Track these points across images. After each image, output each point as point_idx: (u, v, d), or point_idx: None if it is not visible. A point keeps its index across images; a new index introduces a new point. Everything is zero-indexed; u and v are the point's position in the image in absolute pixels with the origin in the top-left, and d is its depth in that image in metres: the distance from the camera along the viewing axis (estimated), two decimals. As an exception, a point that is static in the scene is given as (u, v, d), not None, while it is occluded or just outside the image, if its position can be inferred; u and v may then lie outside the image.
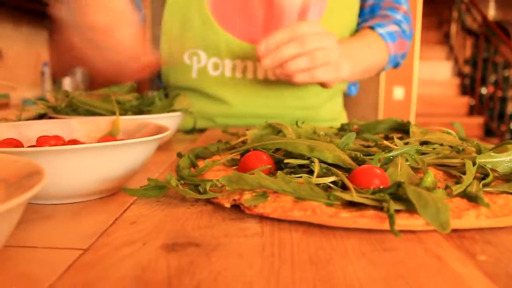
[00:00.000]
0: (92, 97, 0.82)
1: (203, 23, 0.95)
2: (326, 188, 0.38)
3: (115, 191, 0.48)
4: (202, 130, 0.96)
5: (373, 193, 0.34)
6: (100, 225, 0.38)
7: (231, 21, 0.96)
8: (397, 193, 0.34)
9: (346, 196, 0.34)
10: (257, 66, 0.98)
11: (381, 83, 3.70)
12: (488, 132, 4.94)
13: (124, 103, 0.80)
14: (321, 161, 0.42)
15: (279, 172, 0.37)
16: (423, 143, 0.53)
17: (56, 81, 3.25)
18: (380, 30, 0.96)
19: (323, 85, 0.85)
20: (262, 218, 0.35)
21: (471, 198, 0.35)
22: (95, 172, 0.43)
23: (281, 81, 0.99)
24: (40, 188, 0.27)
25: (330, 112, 1.11)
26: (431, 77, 5.29)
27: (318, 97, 1.05)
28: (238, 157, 0.48)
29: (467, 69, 5.44)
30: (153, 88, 1.18)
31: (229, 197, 0.38)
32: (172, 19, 0.98)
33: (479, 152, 0.44)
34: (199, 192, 0.39)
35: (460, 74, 5.48)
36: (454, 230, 0.32)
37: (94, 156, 0.42)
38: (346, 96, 1.22)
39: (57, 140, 0.51)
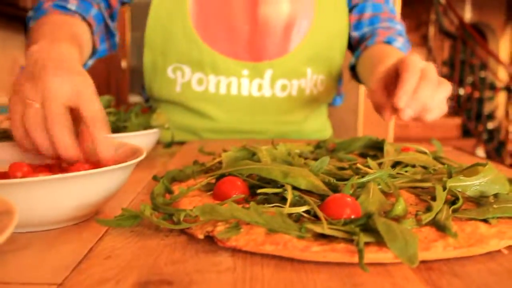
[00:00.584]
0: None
1: (186, 38, 0.95)
2: (299, 217, 0.39)
3: (91, 216, 0.48)
4: (182, 143, 0.96)
5: (344, 224, 0.35)
6: (75, 256, 0.38)
7: (215, 36, 0.96)
8: (368, 224, 0.34)
9: (317, 229, 0.34)
10: (241, 82, 0.98)
11: (360, 86, 3.74)
12: (466, 133, 5.03)
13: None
14: (294, 188, 0.42)
15: (252, 203, 0.37)
16: (397, 163, 0.54)
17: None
18: (397, 44, 0.96)
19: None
20: (235, 250, 0.36)
21: (440, 227, 0.36)
22: (69, 201, 0.43)
23: (265, 98, 1.00)
24: (9, 233, 0.27)
25: (315, 124, 1.12)
26: (410, 79, 5.35)
27: (303, 111, 1.06)
28: (213, 181, 0.48)
29: (445, 71, 5.52)
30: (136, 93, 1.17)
31: (202, 227, 0.38)
32: (154, 32, 0.97)
33: (450, 174, 0.45)
34: (173, 222, 0.39)
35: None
36: (423, 261, 0.33)
37: (67, 186, 0.42)
38: (330, 106, 1.23)
39: (29, 168, 0.51)
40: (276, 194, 0.43)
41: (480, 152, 4.77)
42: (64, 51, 0.57)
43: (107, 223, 0.41)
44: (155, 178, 0.54)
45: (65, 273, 0.35)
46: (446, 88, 0.65)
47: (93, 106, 0.50)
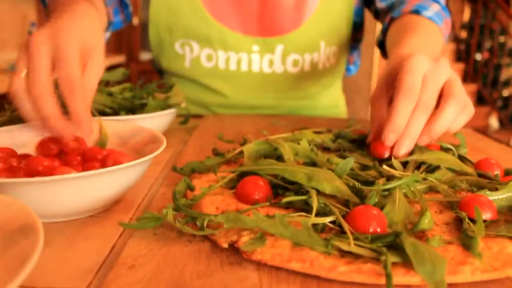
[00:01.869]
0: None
1: (193, 12, 0.92)
2: (323, 227, 0.38)
3: (110, 206, 0.49)
4: (197, 116, 0.95)
5: (372, 240, 0.35)
6: (97, 256, 0.38)
7: (223, 11, 0.92)
8: (395, 242, 0.34)
9: (344, 246, 0.34)
10: (251, 58, 0.95)
11: (376, 48, 3.66)
12: (480, 100, 4.96)
13: (116, 95, 0.79)
14: (318, 191, 0.42)
15: (277, 213, 0.37)
16: (421, 163, 0.53)
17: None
18: (428, 13, 0.83)
19: None
20: (260, 263, 0.36)
21: (466, 246, 0.35)
22: (88, 196, 0.44)
23: (276, 74, 0.97)
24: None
25: (329, 99, 1.10)
26: (426, 42, 5.23)
27: (316, 85, 1.04)
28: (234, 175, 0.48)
29: (463, 34, 5.38)
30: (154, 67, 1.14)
31: (226, 235, 0.38)
32: (159, 7, 0.94)
33: (478, 185, 0.45)
34: (196, 225, 0.39)
35: (456, 39, 5.43)
36: (449, 284, 0.33)
37: (86, 183, 0.42)
38: (344, 76, 1.20)
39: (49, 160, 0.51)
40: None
41: (493, 120, 4.71)
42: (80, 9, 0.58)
43: (130, 226, 0.41)
44: (175, 169, 0.53)
45: (88, 277, 0.35)
46: (455, 112, 0.54)
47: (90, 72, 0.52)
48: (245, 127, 0.83)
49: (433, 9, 0.84)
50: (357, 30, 1.04)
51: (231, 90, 0.99)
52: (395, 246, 0.34)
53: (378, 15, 0.99)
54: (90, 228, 0.45)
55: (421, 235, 0.38)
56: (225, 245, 0.37)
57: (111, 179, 0.44)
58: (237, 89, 0.99)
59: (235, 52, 0.94)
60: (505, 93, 5.02)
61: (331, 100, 1.11)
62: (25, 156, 0.53)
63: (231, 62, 0.95)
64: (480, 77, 5.00)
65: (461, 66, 5.22)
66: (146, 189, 0.54)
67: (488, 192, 0.42)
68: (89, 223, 0.45)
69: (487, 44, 5.10)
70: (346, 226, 0.36)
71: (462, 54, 5.30)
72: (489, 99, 4.88)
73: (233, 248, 0.37)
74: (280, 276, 0.34)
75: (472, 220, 0.39)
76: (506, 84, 5.03)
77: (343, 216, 0.39)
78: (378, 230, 0.37)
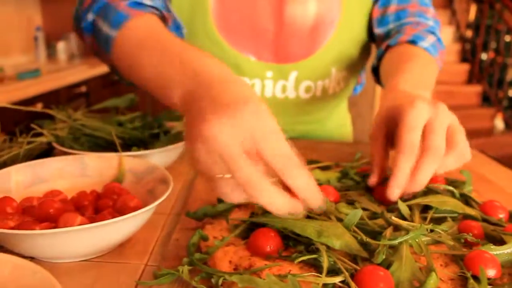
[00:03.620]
0: (92, 116, 0.82)
1: (208, 38, 0.92)
2: (334, 285, 0.40)
3: (123, 248, 0.52)
4: None
5: None
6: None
7: (238, 37, 0.92)
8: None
9: None
10: (264, 84, 0.96)
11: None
12: (485, 100, 4.96)
13: (126, 124, 0.81)
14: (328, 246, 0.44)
15: (289, 276, 0.39)
16: (425, 207, 0.55)
17: (50, 44, 3.19)
18: (424, 44, 0.85)
19: None
20: (273, 326, 0.37)
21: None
22: (96, 242, 0.48)
23: (289, 99, 0.98)
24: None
25: (336, 120, 1.11)
26: (431, 42, 5.23)
27: (325, 110, 1.05)
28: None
29: (468, 33, 5.38)
30: None
31: (241, 295, 0.40)
32: None
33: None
34: (211, 282, 0.41)
35: (461, 38, 5.42)
36: None
37: (93, 232, 0.46)
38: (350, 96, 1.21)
39: (61, 202, 0.54)
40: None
41: (499, 122, 4.72)
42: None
43: (148, 283, 0.43)
44: (188, 214, 0.55)
45: None
46: (459, 154, 0.58)
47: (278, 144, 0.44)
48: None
49: (429, 41, 0.86)
50: (367, 54, 1.05)
51: None
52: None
53: (374, 39, 1.00)
54: (106, 276, 0.47)
55: (427, 294, 0.40)
56: (240, 304, 0.39)
57: (113, 228, 0.47)
58: None
59: (248, 78, 0.94)
60: (511, 93, 5.02)
61: (338, 120, 1.13)
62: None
63: None
64: (486, 78, 4.99)
65: (466, 66, 5.22)
66: (159, 228, 0.56)
67: (493, 247, 0.44)
68: (105, 270, 0.48)
69: (493, 44, 5.10)
70: (354, 288, 0.38)
71: (468, 54, 5.30)
72: (494, 100, 4.88)
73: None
74: None
75: (477, 277, 0.41)
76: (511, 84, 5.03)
77: (352, 275, 0.41)
78: None
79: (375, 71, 0.95)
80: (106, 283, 0.46)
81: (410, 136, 0.55)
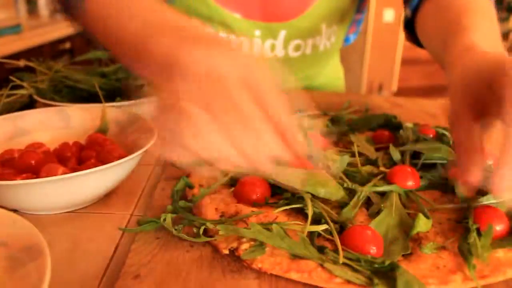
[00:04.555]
0: (74, 69, 0.80)
1: None
2: (319, 234, 0.40)
3: (109, 199, 0.52)
4: None
5: (365, 264, 0.35)
6: (102, 260, 0.40)
7: None
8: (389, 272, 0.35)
9: (337, 271, 0.35)
10: (253, 42, 0.93)
11: (371, 4, 3.58)
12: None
13: (109, 76, 0.79)
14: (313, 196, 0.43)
15: (274, 225, 0.38)
16: (415, 153, 0.54)
17: (31, 0, 3.08)
18: None
19: None
20: (260, 271, 0.37)
21: (462, 254, 0.37)
22: (82, 192, 0.47)
23: (277, 58, 0.95)
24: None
25: (329, 73, 1.10)
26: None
27: (315, 66, 1.02)
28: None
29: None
30: None
31: (227, 241, 0.39)
32: None
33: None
34: (197, 227, 0.41)
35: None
36: (440, 291, 0.35)
37: (78, 182, 0.45)
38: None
39: (43, 154, 0.52)
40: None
41: None
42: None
43: (130, 230, 0.42)
44: (173, 164, 0.54)
45: (94, 283, 0.37)
46: None
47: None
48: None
49: None
50: (362, 3, 1.02)
51: None
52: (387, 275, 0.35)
53: None
54: (91, 226, 0.46)
55: (416, 238, 0.40)
56: (226, 252, 0.38)
57: (97, 177, 0.46)
58: None
59: (236, 36, 0.92)
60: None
61: (331, 74, 1.11)
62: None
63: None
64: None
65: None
66: (144, 179, 0.56)
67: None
68: (90, 221, 0.47)
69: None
70: (339, 244, 0.37)
71: None
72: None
73: (233, 254, 0.39)
74: (280, 284, 0.36)
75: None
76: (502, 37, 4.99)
77: (340, 228, 0.40)
78: (373, 250, 0.37)
79: (409, 26, 0.78)
80: (91, 233, 0.45)
81: None
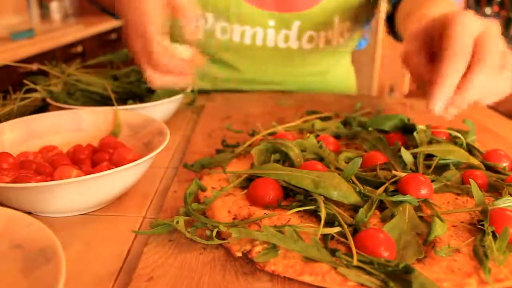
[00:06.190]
0: (87, 72, 0.81)
1: None
2: (332, 236, 0.40)
3: (122, 201, 0.52)
4: (203, 92, 0.95)
5: (378, 267, 0.35)
6: (115, 261, 0.40)
7: None
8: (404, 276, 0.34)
9: (351, 276, 0.34)
10: (267, 33, 0.94)
11: (383, 4, 3.56)
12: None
13: (121, 79, 0.79)
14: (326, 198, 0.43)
15: (287, 228, 0.38)
16: (428, 155, 0.54)
17: (43, 4, 3.12)
18: None
19: None
20: (273, 273, 0.37)
21: (478, 257, 0.37)
22: (94, 195, 0.47)
23: (291, 49, 0.96)
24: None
25: (340, 72, 1.10)
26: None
27: (328, 62, 1.03)
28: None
29: (472, -13, 5.23)
30: None
31: (240, 243, 0.39)
32: None
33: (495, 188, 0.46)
34: (210, 230, 0.41)
35: (465, -9, 5.28)
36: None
37: (91, 185, 0.45)
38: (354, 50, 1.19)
39: (57, 156, 0.53)
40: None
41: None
42: None
43: (143, 233, 0.43)
44: (186, 166, 0.54)
45: (108, 284, 0.37)
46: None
47: None
48: (252, 108, 0.83)
49: None
50: (372, 5, 1.02)
51: (243, 64, 0.99)
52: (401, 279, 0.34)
53: None
54: (105, 228, 0.46)
55: (430, 240, 0.39)
56: (239, 254, 0.39)
57: (110, 180, 0.46)
58: (249, 63, 0.98)
59: (250, 26, 0.93)
60: (515, 48, 4.94)
61: (342, 73, 1.11)
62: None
63: (246, 35, 0.94)
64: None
65: (470, 20, 5.09)
66: (157, 181, 0.56)
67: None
68: (104, 223, 0.47)
69: (497, -3, 4.97)
70: (353, 247, 0.37)
71: (471, 6, 5.17)
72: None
73: (247, 257, 0.39)
74: (293, 287, 0.36)
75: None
76: (516, 39, 4.94)
77: (354, 230, 0.40)
78: (386, 254, 0.37)
79: (390, 20, 0.92)
80: (105, 235, 0.45)
81: (461, 41, 0.47)
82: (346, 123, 0.67)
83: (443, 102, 0.48)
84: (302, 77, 1.02)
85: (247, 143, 0.57)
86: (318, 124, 0.64)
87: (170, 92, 0.74)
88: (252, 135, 0.61)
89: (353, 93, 1.17)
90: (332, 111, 0.73)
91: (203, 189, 0.48)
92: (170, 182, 0.54)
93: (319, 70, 1.03)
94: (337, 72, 1.09)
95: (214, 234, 0.40)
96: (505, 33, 4.89)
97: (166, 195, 0.51)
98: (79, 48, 2.62)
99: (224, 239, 0.40)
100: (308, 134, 0.56)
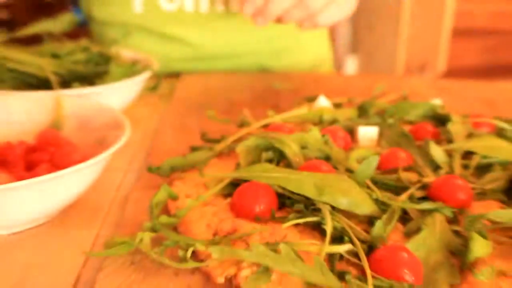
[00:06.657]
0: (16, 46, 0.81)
1: None
2: (340, 256, 0.41)
3: (71, 211, 0.53)
4: (172, 75, 0.96)
5: None
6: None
7: None
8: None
9: None
10: None
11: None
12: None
13: (64, 57, 0.80)
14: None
15: (283, 245, 0.39)
16: (467, 152, 0.55)
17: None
18: None
19: None
20: (264, 304, 0.38)
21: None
22: (25, 209, 0.47)
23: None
24: None
25: (313, 36, 1.15)
26: None
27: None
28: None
29: None
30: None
31: (222, 267, 0.40)
32: None
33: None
34: (183, 249, 0.42)
35: None
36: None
37: (18, 196, 0.45)
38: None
39: None
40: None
41: None
42: None
43: (96, 254, 0.44)
44: (150, 170, 0.56)
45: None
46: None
47: None
48: (236, 94, 0.85)
49: None
50: None
51: (200, 38, 1.01)
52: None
53: None
54: (45, 253, 0.47)
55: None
56: (221, 280, 0.40)
57: (52, 187, 0.47)
58: (209, 35, 1.01)
59: None
60: None
61: (315, 37, 1.17)
62: None
63: (202, 1, 0.97)
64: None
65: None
66: (113, 189, 0.57)
67: None
68: (43, 245, 0.48)
69: None
70: (367, 269, 0.38)
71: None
72: None
73: (231, 283, 0.40)
74: (290, 322, 0.37)
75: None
76: None
77: (369, 248, 0.42)
78: (410, 278, 0.38)
79: None
80: (45, 261, 0.45)
81: None
82: (362, 110, 0.68)
83: (252, 8, 0.73)
84: (272, 42, 1.07)
85: (231, 138, 0.58)
86: (328, 114, 0.65)
87: (129, 72, 0.75)
88: (241, 126, 0.63)
89: (328, 57, 1.24)
90: (340, 95, 0.75)
91: (174, 198, 0.50)
92: (131, 189, 0.56)
93: (289, 33, 1.08)
94: (312, 36, 1.15)
95: (189, 254, 0.41)
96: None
97: (125, 206, 0.52)
98: (3, 14, 2.61)
99: (202, 261, 0.41)
100: (310, 127, 0.57)
